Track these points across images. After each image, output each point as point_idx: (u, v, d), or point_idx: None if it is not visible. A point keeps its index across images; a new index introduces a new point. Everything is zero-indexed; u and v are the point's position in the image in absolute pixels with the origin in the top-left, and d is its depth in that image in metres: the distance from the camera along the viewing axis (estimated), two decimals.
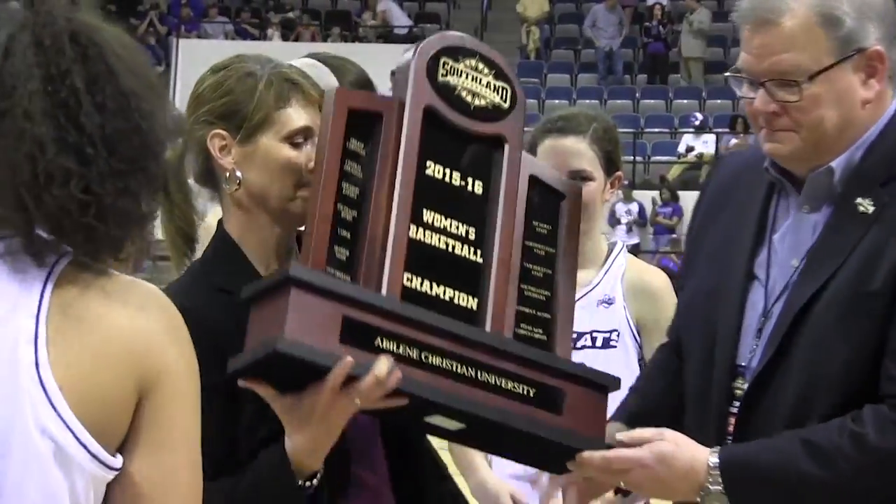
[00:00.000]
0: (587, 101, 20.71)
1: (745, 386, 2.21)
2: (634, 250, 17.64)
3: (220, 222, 2.26)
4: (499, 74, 2.23)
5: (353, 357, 1.94)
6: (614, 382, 2.25)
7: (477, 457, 3.16)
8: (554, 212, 2.32)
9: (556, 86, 22.35)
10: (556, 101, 19.76)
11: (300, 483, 2.04)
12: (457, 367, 2.09)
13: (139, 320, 1.47)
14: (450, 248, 2.16)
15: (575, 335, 2.72)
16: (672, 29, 22.53)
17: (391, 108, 2.11)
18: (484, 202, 2.21)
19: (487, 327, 2.15)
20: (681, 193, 19.09)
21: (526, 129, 2.36)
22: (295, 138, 2.19)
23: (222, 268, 2.20)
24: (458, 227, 2.17)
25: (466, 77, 2.18)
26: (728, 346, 2.24)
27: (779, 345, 2.15)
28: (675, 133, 21.33)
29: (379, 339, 2.01)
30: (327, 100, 2.09)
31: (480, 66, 2.20)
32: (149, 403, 1.47)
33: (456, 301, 2.16)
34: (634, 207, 18.96)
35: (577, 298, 2.58)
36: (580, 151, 3.15)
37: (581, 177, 3.08)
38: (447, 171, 2.17)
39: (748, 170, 2.32)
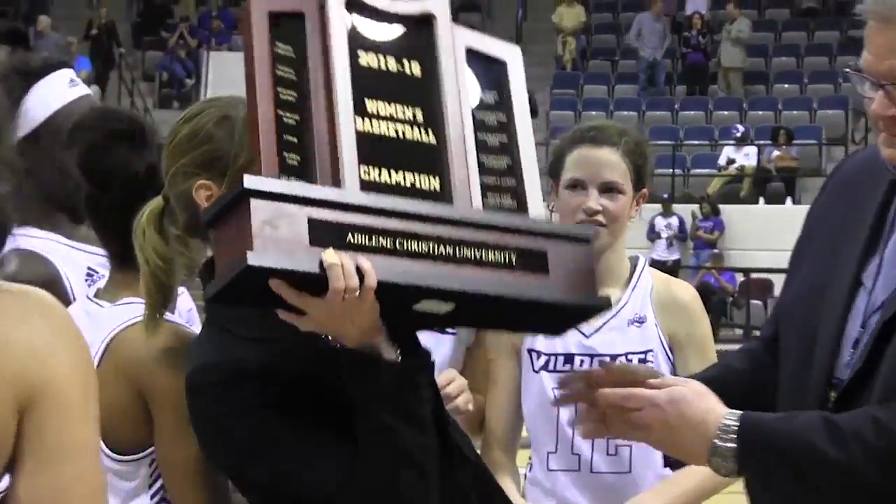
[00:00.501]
0: (625, 112, 20.44)
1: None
2: (675, 266, 17.42)
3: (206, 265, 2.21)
4: None
5: None
6: (591, 233, 2.30)
7: (509, 485, 3.12)
8: (498, 79, 2.33)
9: (592, 97, 22.03)
10: (594, 113, 19.54)
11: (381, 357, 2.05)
12: (434, 248, 2.10)
13: (18, 332, 1.44)
14: (400, 134, 2.17)
15: (608, 358, 2.83)
16: (711, 38, 22.12)
17: (312, 4, 2.12)
18: (425, 83, 2.22)
19: (455, 204, 2.17)
20: (721, 207, 18.78)
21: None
22: None
23: (232, 316, 2.15)
24: (404, 112, 2.18)
25: None
26: (826, 353, 2.20)
27: (866, 359, 2.11)
28: (715, 145, 20.97)
29: (350, 234, 2.02)
30: (246, 9, 2.08)
31: None
32: (32, 417, 1.44)
33: (418, 185, 2.17)
34: (674, 221, 18.63)
35: (606, 320, 2.75)
36: (613, 163, 3.11)
37: (613, 189, 3.08)
38: (380, 57, 2.18)
39: (872, 168, 2.22)
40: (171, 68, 21.74)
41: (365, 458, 2.06)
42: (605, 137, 3.15)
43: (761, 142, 20.31)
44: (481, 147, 2.26)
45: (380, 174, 2.13)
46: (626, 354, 3.16)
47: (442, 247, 2.11)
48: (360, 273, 1.97)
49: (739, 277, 18.40)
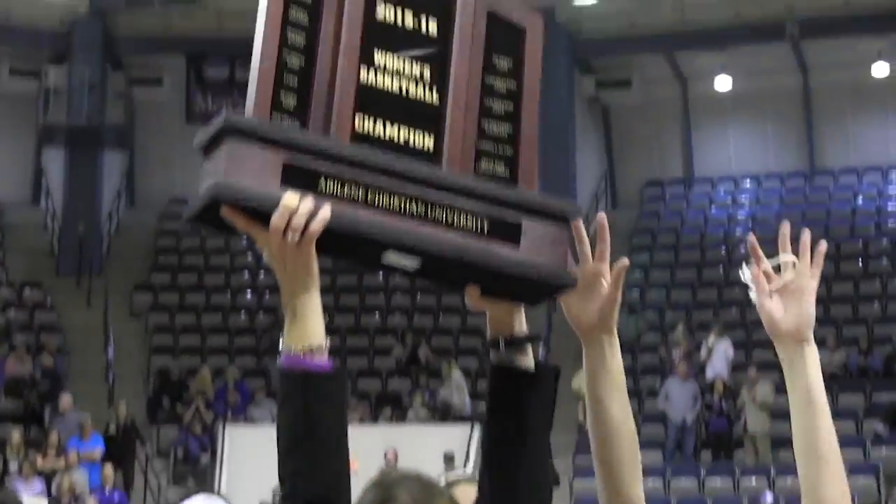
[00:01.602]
0: (649, 481, 19.86)
1: None
2: None
3: None
4: None
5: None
6: (575, 211, 2.30)
7: None
8: (515, 46, 2.36)
9: None
10: None
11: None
12: (405, 204, 2.18)
13: None
14: (404, 90, 2.25)
15: None
16: (734, 403, 21.80)
17: None
18: (439, 41, 2.28)
19: (443, 165, 2.23)
20: None
21: None
22: None
23: None
24: (412, 68, 2.26)
25: None
26: None
27: None
28: None
29: (322, 181, 2.11)
30: None
31: None
32: None
33: (412, 142, 2.25)
34: None
35: None
36: None
37: None
38: (399, 11, 2.25)
39: None
40: (187, 444, 21.45)
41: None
42: None
43: None
44: (485, 112, 2.30)
45: (374, 126, 2.21)
46: None
47: (413, 204, 2.18)
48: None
49: None
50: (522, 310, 2.40)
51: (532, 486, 2.36)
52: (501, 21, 2.36)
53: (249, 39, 2.19)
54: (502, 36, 2.36)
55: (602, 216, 2.39)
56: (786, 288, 2.42)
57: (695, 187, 27.90)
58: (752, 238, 2.46)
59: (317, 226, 2.05)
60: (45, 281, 24.99)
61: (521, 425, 2.36)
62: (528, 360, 2.38)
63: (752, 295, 2.44)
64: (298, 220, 2.04)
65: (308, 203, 2.06)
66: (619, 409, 2.41)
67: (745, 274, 2.45)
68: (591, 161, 27.64)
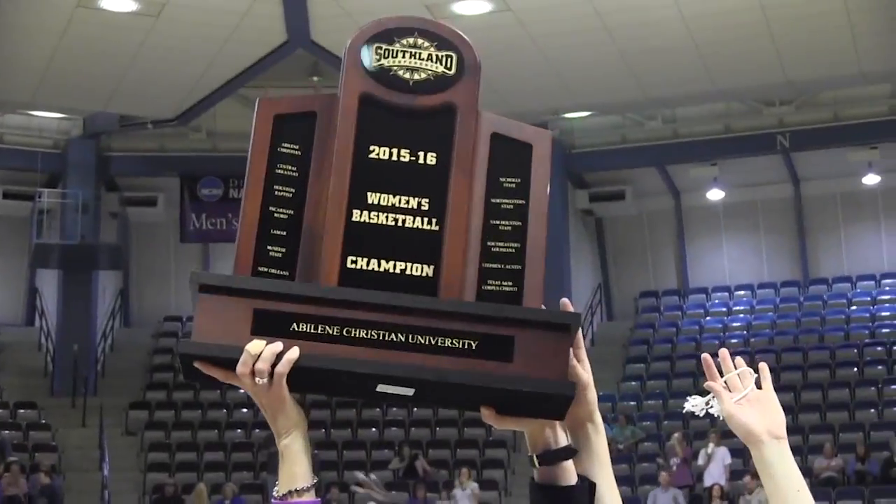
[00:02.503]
0: None
1: None
2: None
3: None
4: (442, 45, 2.32)
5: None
6: (575, 319, 2.26)
7: None
8: (522, 163, 2.37)
9: None
10: None
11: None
12: (384, 335, 2.21)
13: None
14: (399, 223, 2.28)
15: None
16: None
17: (326, 104, 2.28)
18: (438, 171, 2.30)
19: (441, 292, 2.25)
20: None
21: None
22: None
23: None
24: (408, 202, 2.28)
25: (403, 55, 2.29)
26: None
27: None
28: None
29: (294, 324, 2.17)
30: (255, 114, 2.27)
31: (419, 41, 2.31)
32: None
33: (409, 272, 2.27)
34: None
35: None
36: None
37: None
38: (394, 150, 2.28)
39: None
40: None
41: None
42: None
43: None
44: (491, 232, 2.30)
45: (367, 263, 2.25)
46: None
47: (392, 335, 2.20)
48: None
49: None
50: (558, 425, 2.36)
51: None
52: (507, 140, 2.37)
53: (243, 158, 2.26)
54: (509, 154, 2.37)
55: (564, 301, 2.42)
56: (747, 397, 2.51)
57: (690, 297, 27.98)
58: (705, 356, 2.53)
59: (283, 367, 2.13)
60: (39, 401, 24.89)
61: None
62: (567, 475, 2.36)
63: (712, 411, 2.50)
64: (261, 365, 2.13)
65: (274, 346, 2.13)
66: (607, 484, 2.45)
67: (693, 403, 2.53)
68: (585, 273, 27.79)
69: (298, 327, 2.19)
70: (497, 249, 2.33)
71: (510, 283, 2.32)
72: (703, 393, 2.53)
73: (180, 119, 24.68)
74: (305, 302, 2.19)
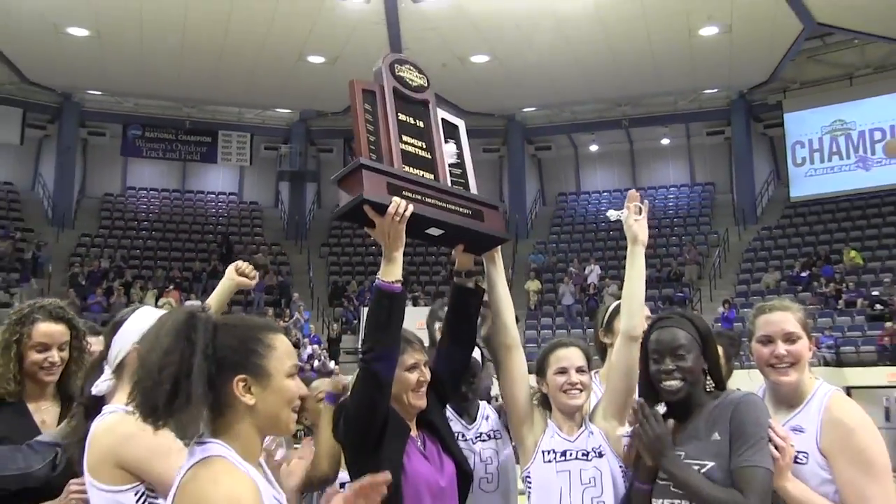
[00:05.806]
0: None
1: None
2: None
3: None
4: (420, 71, 3.89)
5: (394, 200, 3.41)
6: (502, 204, 4.16)
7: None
8: (455, 134, 3.95)
9: None
10: None
11: (390, 281, 3.45)
12: (436, 201, 3.57)
13: None
14: (418, 152, 3.70)
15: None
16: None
17: (380, 87, 3.75)
18: (426, 131, 3.79)
19: (441, 184, 3.67)
20: None
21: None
22: None
23: None
24: (420, 144, 3.73)
25: (408, 72, 3.83)
26: None
27: None
28: None
29: (404, 191, 3.49)
30: (351, 85, 3.65)
31: (412, 67, 3.90)
32: None
33: (423, 175, 3.70)
34: None
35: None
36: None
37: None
38: (409, 118, 3.75)
39: None
40: None
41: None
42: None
43: None
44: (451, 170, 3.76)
45: (408, 167, 3.59)
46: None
47: (439, 201, 3.54)
48: (402, 210, 3.35)
49: None
50: (473, 258, 3.95)
51: (471, 341, 4.01)
52: (445, 121, 3.86)
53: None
54: (448, 129, 3.89)
55: (632, 193, 3.89)
56: (642, 217, 3.86)
57: (581, 196, 38.01)
58: (632, 191, 3.96)
59: (407, 213, 3.29)
60: None
61: (466, 314, 3.93)
62: (471, 283, 3.94)
63: (622, 218, 3.88)
64: (400, 210, 3.28)
65: (401, 202, 3.28)
66: (502, 287, 4.13)
67: (612, 214, 3.91)
68: (532, 186, 38.10)
69: (404, 193, 3.38)
70: (452, 170, 3.69)
71: (463, 182, 3.78)
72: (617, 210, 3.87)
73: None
74: (407, 181, 3.43)
